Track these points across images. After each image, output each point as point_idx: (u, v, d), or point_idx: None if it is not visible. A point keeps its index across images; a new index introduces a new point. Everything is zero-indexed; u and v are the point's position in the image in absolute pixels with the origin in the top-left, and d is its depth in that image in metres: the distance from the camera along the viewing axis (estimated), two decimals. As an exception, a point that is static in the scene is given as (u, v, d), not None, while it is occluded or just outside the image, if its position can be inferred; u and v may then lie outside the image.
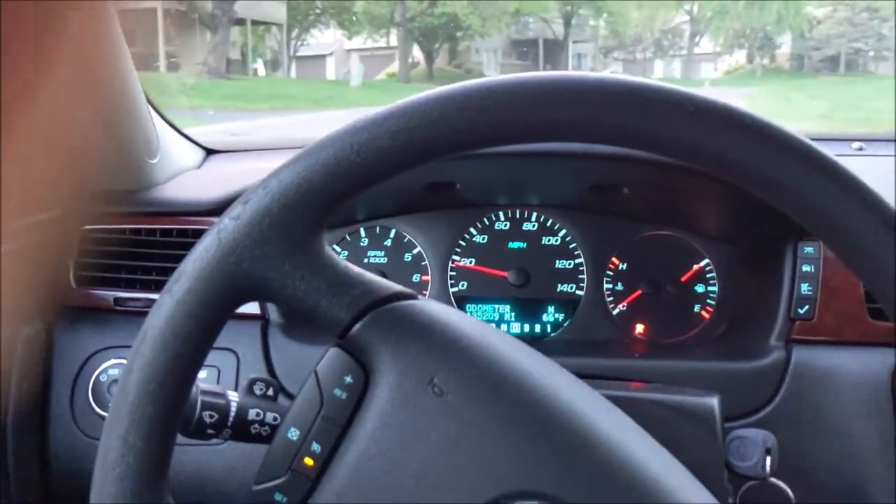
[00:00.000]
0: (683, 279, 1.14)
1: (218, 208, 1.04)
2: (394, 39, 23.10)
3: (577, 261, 1.16)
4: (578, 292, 1.16)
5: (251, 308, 1.03)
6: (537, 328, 1.16)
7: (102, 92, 0.96)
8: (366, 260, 1.17)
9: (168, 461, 0.49)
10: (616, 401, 0.54)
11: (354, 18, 22.20)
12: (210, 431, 0.64)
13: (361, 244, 1.18)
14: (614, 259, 1.16)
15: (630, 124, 0.44)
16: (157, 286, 1.03)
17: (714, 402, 0.76)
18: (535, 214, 1.17)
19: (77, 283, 1.05)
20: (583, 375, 0.56)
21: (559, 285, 1.17)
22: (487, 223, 1.18)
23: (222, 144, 1.34)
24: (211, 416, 0.63)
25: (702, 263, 1.14)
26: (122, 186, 1.08)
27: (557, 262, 1.17)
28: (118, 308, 1.04)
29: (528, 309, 1.17)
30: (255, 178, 0.49)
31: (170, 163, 1.15)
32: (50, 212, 1.01)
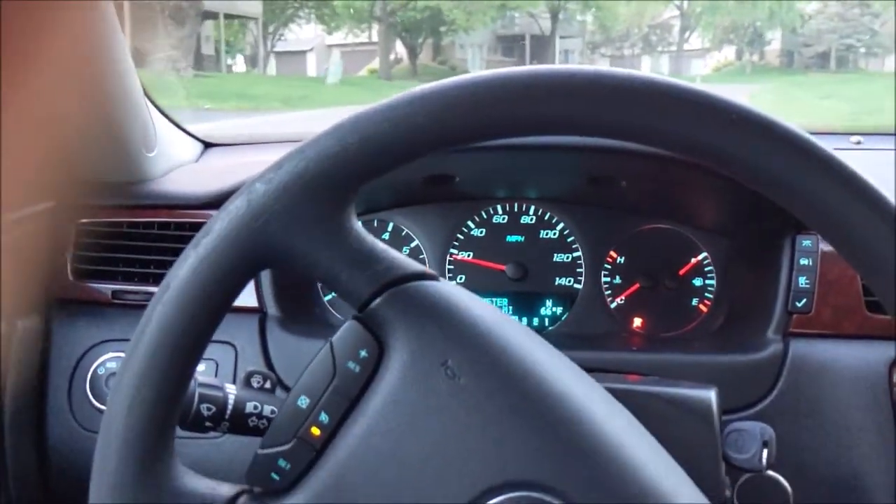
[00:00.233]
0: (681, 273, 1.17)
1: (216, 201, 1.06)
2: (376, 34, 22.97)
3: (576, 254, 1.19)
4: (576, 286, 1.19)
5: (249, 301, 1.05)
6: (535, 322, 1.19)
7: (100, 85, 0.98)
8: None
9: (176, 419, 0.50)
10: (614, 393, 0.55)
11: (334, 13, 22.04)
12: (208, 424, 0.65)
13: None
14: (612, 252, 1.19)
15: (657, 124, 0.45)
16: (155, 279, 1.05)
17: (712, 395, 0.77)
18: (533, 208, 1.20)
19: (74, 276, 1.07)
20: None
21: (557, 279, 1.19)
22: (485, 216, 1.20)
23: (221, 138, 1.36)
24: (209, 409, 0.64)
25: (700, 257, 1.16)
26: (120, 179, 1.10)
27: (555, 255, 1.20)
28: (116, 301, 1.06)
29: (525, 302, 1.19)
30: (254, 171, 0.50)
31: (167, 156, 1.17)
32: (46, 203, 1.04)
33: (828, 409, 0.96)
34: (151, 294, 0.49)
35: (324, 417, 0.51)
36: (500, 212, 1.21)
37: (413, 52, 23.08)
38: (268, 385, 0.69)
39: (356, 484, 0.49)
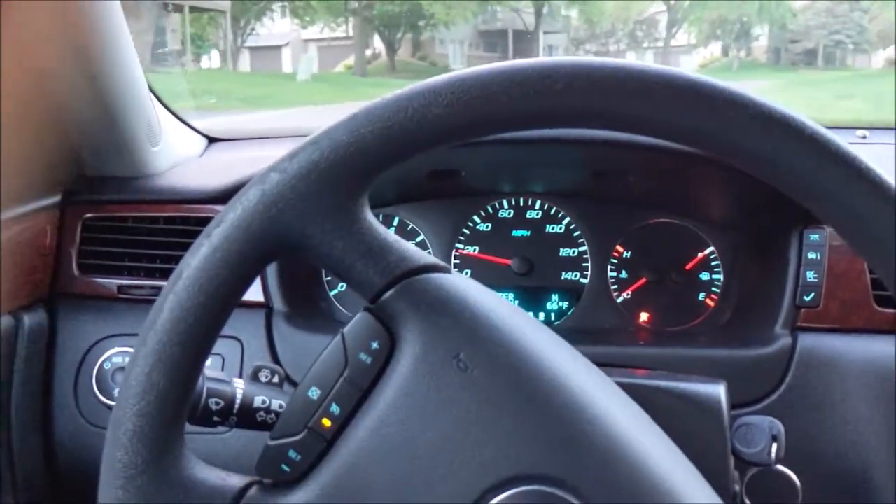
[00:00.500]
0: (688, 267, 1.20)
1: (221, 196, 1.09)
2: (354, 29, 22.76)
3: (581, 249, 1.22)
4: (582, 280, 1.22)
5: (255, 296, 1.08)
6: (541, 316, 1.22)
7: (105, 80, 1.01)
8: None
9: (186, 409, 0.51)
10: (622, 388, 0.56)
11: (308, 5, 21.75)
12: (216, 419, 0.67)
13: None
14: (618, 247, 1.22)
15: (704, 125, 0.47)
16: (161, 274, 1.08)
17: (721, 389, 0.78)
18: (538, 202, 1.23)
19: (80, 270, 1.10)
20: None
21: (563, 273, 1.22)
22: (491, 211, 1.24)
23: (224, 132, 1.39)
24: (217, 403, 0.66)
25: (706, 251, 1.19)
26: (125, 174, 1.12)
27: (561, 250, 1.23)
28: (121, 296, 1.09)
29: (532, 297, 1.22)
30: (258, 166, 0.51)
31: (172, 151, 1.20)
32: (52, 198, 1.06)
33: (836, 403, 0.98)
34: (157, 288, 0.50)
35: (335, 409, 0.52)
36: (505, 206, 1.24)
37: (391, 48, 22.85)
38: (276, 380, 0.72)
39: (367, 475, 0.50)
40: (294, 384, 0.59)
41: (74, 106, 1.02)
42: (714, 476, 0.56)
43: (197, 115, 1.35)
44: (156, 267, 1.09)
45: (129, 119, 1.07)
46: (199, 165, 1.26)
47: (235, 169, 1.13)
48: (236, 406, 0.67)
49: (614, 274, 1.22)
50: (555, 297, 1.22)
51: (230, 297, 0.50)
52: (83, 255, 1.10)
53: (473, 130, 0.49)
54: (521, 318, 0.55)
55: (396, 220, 1.24)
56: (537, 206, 1.23)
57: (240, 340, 1.06)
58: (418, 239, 1.23)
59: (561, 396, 0.50)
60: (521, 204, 1.24)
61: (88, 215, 1.11)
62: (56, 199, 1.09)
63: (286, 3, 22.13)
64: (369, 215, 0.52)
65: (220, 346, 1.04)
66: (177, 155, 1.21)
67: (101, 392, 1.04)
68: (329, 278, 1.23)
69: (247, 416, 0.68)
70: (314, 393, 0.52)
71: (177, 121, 1.26)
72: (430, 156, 0.50)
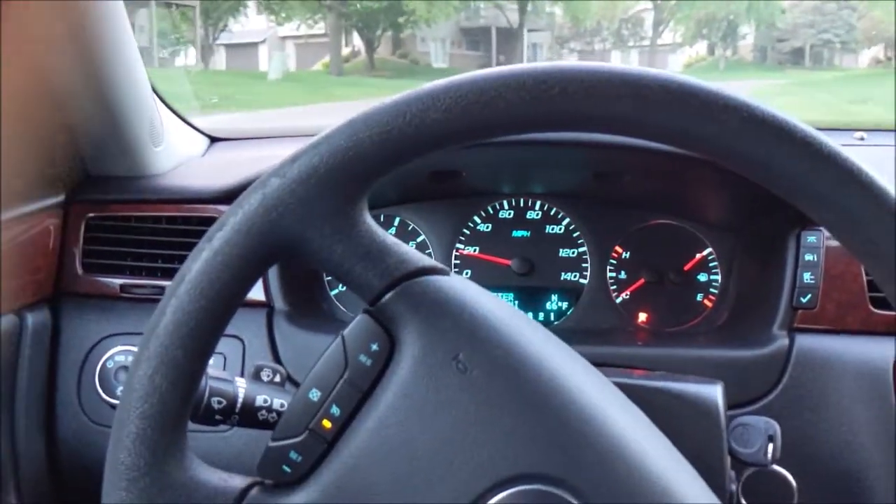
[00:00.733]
0: (686, 268, 1.23)
1: (223, 196, 1.12)
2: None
3: (581, 249, 1.26)
4: (582, 281, 1.25)
5: (257, 295, 1.11)
6: (540, 316, 1.25)
7: (107, 80, 1.05)
8: None
9: (188, 411, 0.52)
10: (620, 388, 0.57)
11: (281, 1, 21.45)
12: (218, 417, 0.69)
13: None
14: (618, 248, 1.25)
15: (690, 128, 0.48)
16: (164, 273, 1.10)
17: (717, 389, 0.79)
18: (538, 203, 1.27)
19: (83, 269, 1.13)
20: None
21: (563, 274, 1.26)
22: (491, 212, 1.27)
23: (227, 132, 1.42)
24: (219, 402, 0.68)
25: (704, 252, 1.23)
26: (128, 173, 1.16)
27: (561, 250, 1.26)
28: (124, 295, 1.11)
29: (531, 297, 1.26)
30: (260, 166, 0.53)
31: (174, 150, 1.23)
32: (55, 198, 1.09)
33: (832, 404, 1.00)
34: (159, 288, 0.52)
35: (335, 410, 0.53)
36: (506, 207, 1.27)
37: (370, 46, 22.61)
38: (277, 379, 0.74)
39: (367, 476, 0.52)
40: (295, 383, 0.60)
41: (77, 106, 1.05)
42: (711, 476, 0.58)
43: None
44: (158, 266, 1.11)
45: (132, 119, 1.11)
46: (201, 165, 1.29)
47: (237, 169, 1.16)
48: (238, 405, 0.69)
49: (613, 274, 1.25)
50: (554, 298, 1.26)
51: (231, 300, 0.51)
52: (86, 254, 1.13)
53: (471, 135, 0.50)
54: (520, 320, 0.57)
55: (397, 220, 1.27)
56: (537, 207, 1.27)
57: (241, 339, 1.08)
58: (419, 239, 1.26)
59: (559, 397, 0.52)
60: (522, 205, 1.27)
61: (92, 215, 1.14)
62: (59, 198, 1.12)
63: (258, -1, 21.79)
64: (368, 218, 0.54)
65: (221, 345, 1.04)
66: (179, 155, 1.25)
67: (104, 390, 1.06)
68: (330, 278, 1.26)
69: (249, 415, 0.70)
70: (314, 394, 0.54)
71: (179, 121, 1.29)
72: (430, 157, 0.51)
